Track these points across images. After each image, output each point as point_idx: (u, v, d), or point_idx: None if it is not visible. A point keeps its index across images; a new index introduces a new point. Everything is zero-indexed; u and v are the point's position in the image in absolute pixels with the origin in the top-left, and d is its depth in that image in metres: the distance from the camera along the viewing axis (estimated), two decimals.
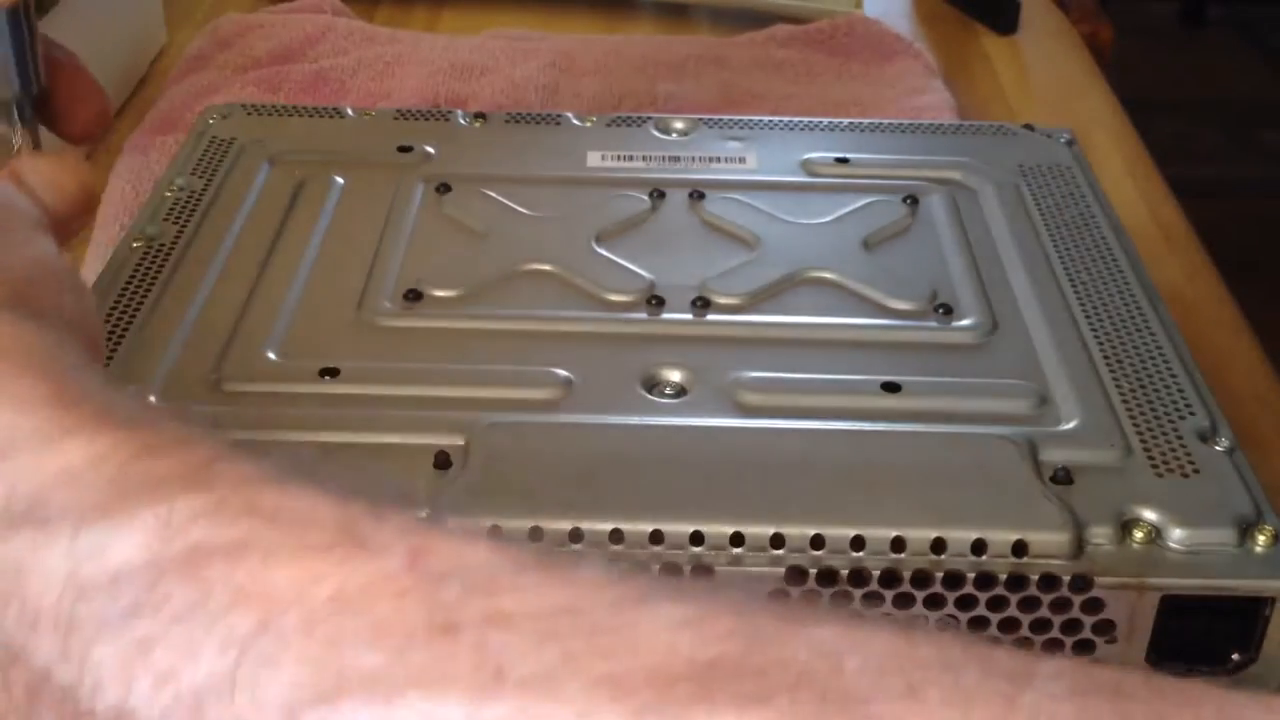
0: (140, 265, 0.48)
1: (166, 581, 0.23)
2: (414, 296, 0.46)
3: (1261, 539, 0.37)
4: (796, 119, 0.60)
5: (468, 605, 0.22)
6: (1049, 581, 0.36)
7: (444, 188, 0.53)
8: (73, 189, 0.38)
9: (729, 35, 0.84)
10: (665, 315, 0.46)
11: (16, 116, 0.41)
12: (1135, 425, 0.41)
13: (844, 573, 0.36)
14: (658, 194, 0.53)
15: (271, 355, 0.43)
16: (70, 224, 0.38)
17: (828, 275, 0.48)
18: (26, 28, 0.40)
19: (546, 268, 0.48)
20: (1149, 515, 0.37)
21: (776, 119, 0.60)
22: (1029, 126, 0.59)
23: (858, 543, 0.36)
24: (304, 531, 0.23)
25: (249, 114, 0.58)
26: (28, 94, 0.41)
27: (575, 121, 0.59)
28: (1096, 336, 0.45)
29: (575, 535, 0.36)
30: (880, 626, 0.23)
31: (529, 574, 0.23)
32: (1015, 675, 0.22)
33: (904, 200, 0.53)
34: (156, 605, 0.23)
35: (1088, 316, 0.46)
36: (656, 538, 0.36)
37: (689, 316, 0.46)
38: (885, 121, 0.60)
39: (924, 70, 0.79)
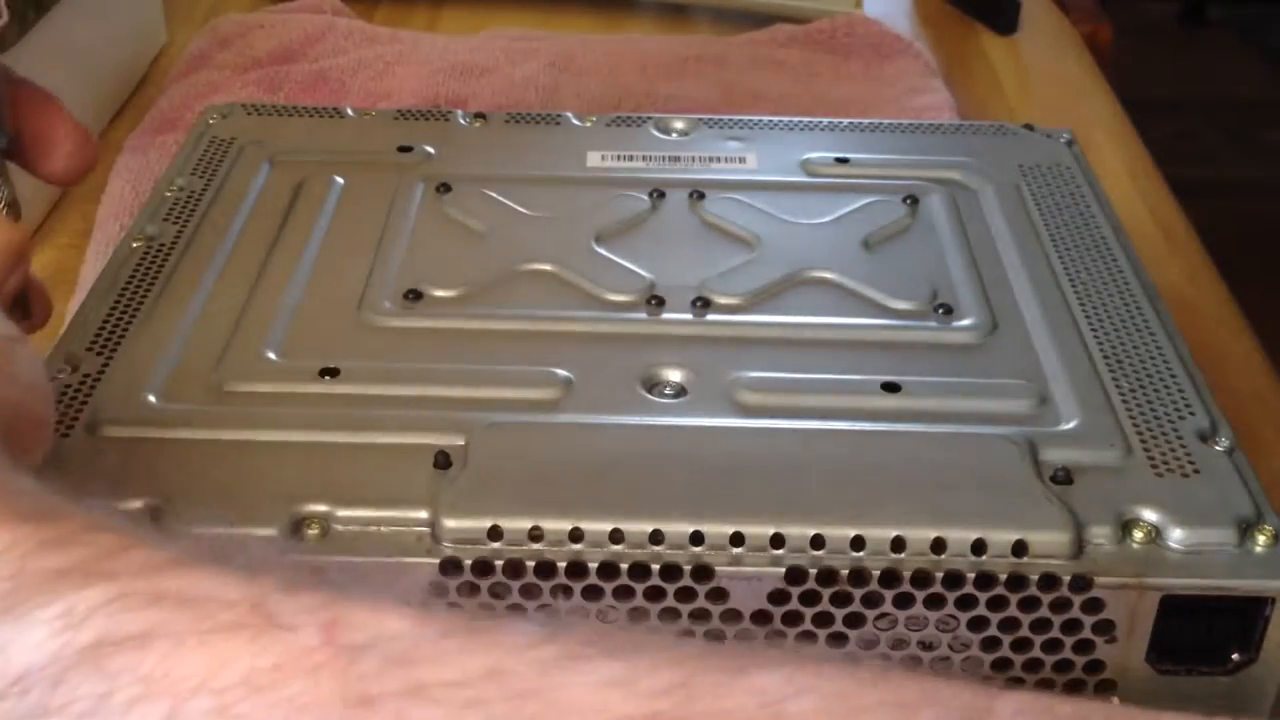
0: (140, 265, 0.48)
1: (72, 677, 0.23)
2: (414, 296, 0.46)
3: (1261, 539, 0.37)
4: (796, 119, 0.60)
5: (385, 677, 0.22)
6: (1049, 581, 0.36)
7: (444, 188, 0.53)
8: None
9: (729, 35, 0.84)
10: (665, 315, 0.46)
11: None
12: (1135, 425, 0.41)
13: (844, 573, 0.36)
14: (658, 194, 0.53)
15: (271, 355, 0.43)
16: (2, 286, 0.38)
17: (828, 275, 0.48)
18: None
19: (546, 268, 0.48)
20: (1149, 515, 0.37)
21: (776, 119, 0.60)
22: (1029, 126, 0.59)
23: (858, 543, 0.36)
24: (213, 612, 0.23)
25: (249, 114, 0.58)
26: None
27: (575, 121, 0.59)
28: (1096, 336, 0.45)
29: (575, 535, 0.36)
30: (827, 668, 0.22)
31: (451, 640, 0.23)
32: (972, 712, 0.21)
33: (904, 200, 0.53)
34: (63, 703, 0.22)
35: (1088, 316, 0.46)
36: (656, 538, 0.36)
37: (689, 316, 0.46)
38: (885, 121, 0.60)
39: (924, 70, 0.79)
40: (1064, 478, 0.39)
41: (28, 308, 0.41)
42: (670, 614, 0.36)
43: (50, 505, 0.25)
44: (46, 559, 0.24)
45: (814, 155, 0.56)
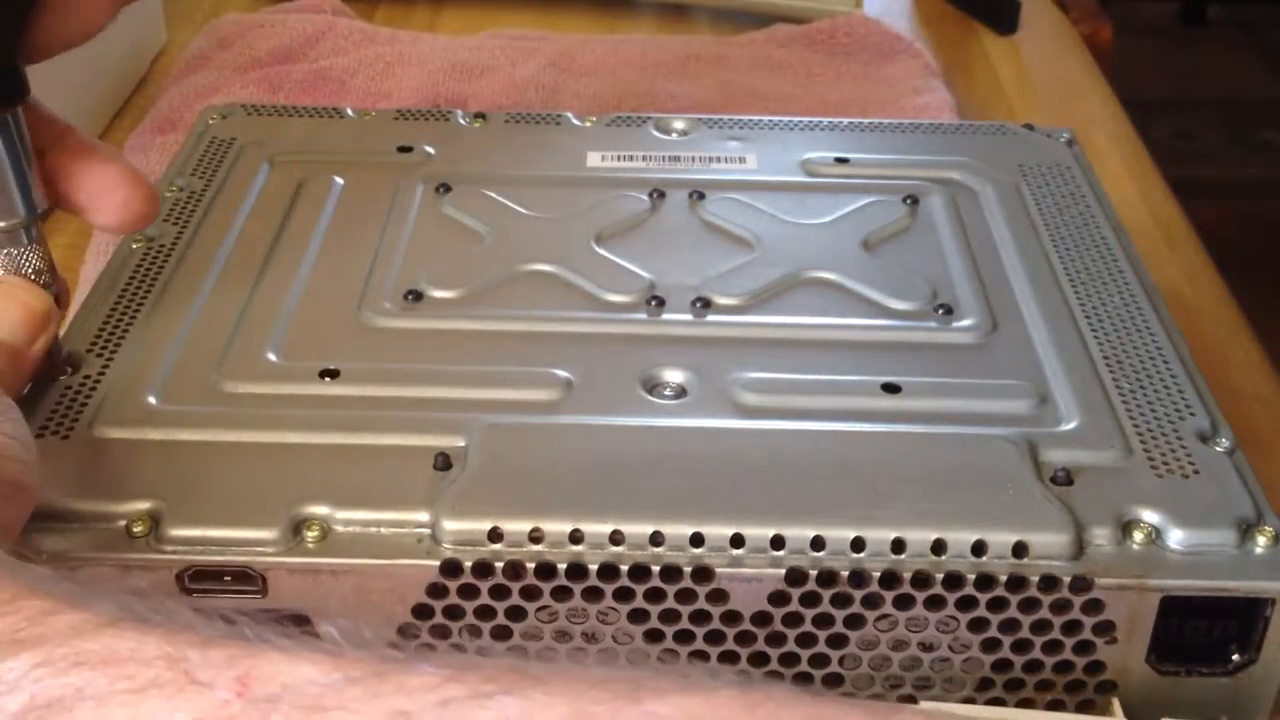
0: (140, 265, 0.48)
1: None
2: (414, 297, 0.46)
3: (1261, 540, 0.37)
4: (796, 119, 0.60)
5: None
6: (1049, 582, 0.36)
7: (444, 188, 0.53)
8: (16, 316, 0.39)
9: (729, 35, 0.84)
10: (665, 316, 0.46)
11: (24, 238, 0.41)
12: (1135, 425, 0.41)
13: (844, 574, 0.36)
14: (658, 194, 0.53)
15: (271, 356, 0.43)
16: (28, 350, 0.39)
17: (828, 275, 0.48)
18: (20, 150, 0.40)
19: (546, 268, 0.48)
20: (1149, 516, 0.37)
21: (776, 119, 0.60)
22: (1029, 126, 0.59)
23: (858, 544, 0.36)
24: (133, 672, 0.24)
25: (249, 114, 0.58)
26: (31, 216, 0.40)
27: (575, 121, 0.59)
28: (1096, 336, 0.45)
29: (575, 537, 0.36)
30: (718, 692, 0.23)
31: (357, 686, 0.24)
32: None
33: (904, 200, 0.53)
34: None
35: (1088, 316, 0.46)
36: (656, 539, 0.36)
37: (689, 317, 0.46)
38: (885, 121, 0.60)
39: (924, 70, 0.79)
40: (1064, 478, 0.39)
41: (53, 360, 0.42)
42: (670, 616, 0.36)
43: None
44: None
45: (814, 155, 0.56)
